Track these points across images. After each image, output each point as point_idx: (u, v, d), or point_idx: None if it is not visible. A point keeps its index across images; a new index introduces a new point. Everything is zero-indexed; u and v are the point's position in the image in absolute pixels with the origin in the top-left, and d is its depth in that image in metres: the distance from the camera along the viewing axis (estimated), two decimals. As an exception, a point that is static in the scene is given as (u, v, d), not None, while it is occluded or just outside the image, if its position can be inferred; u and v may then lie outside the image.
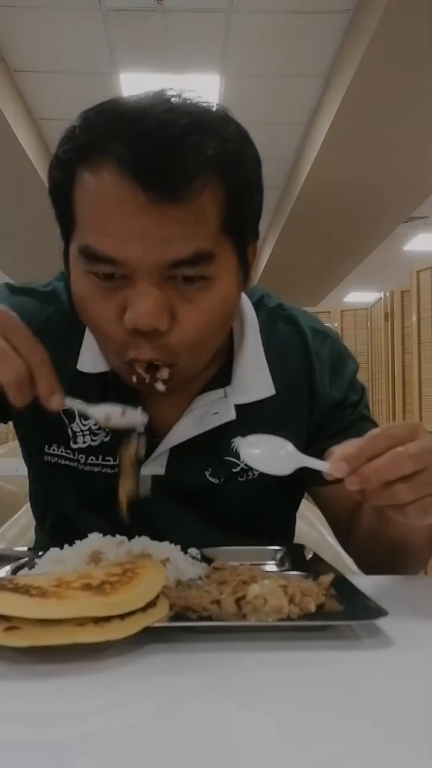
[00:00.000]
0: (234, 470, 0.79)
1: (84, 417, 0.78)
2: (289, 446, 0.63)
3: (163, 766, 0.34)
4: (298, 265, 6.72)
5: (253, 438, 0.64)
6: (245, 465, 0.79)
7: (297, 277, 7.08)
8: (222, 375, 0.79)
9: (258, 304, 0.85)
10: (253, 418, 0.78)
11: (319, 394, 0.82)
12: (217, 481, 0.79)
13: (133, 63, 3.73)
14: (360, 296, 8.44)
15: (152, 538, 0.69)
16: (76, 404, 0.63)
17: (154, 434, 0.78)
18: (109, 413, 0.64)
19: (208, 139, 0.60)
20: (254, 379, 0.79)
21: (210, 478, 0.79)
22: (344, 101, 3.56)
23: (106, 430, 0.78)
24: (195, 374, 0.73)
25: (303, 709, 0.41)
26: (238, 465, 0.79)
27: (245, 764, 0.34)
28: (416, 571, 0.79)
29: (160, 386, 0.68)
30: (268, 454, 0.63)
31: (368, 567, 0.82)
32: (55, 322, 0.80)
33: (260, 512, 0.83)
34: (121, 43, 3.55)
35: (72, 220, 0.65)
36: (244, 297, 0.83)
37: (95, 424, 0.78)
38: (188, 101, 0.62)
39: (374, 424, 0.85)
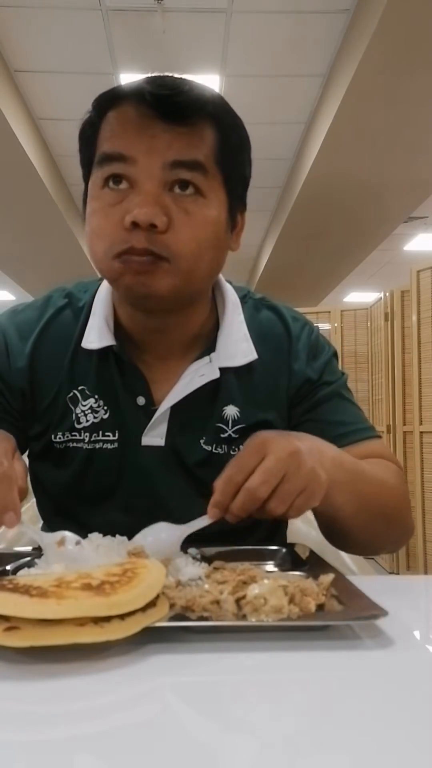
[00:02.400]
0: (222, 436, 0.85)
1: (84, 398, 0.85)
2: (171, 528, 0.69)
3: (163, 766, 0.34)
4: (298, 265, 6.71)
5: (146, 530, 0.70)
6: (233, 433, 0.86)
7: (297, 277, 7.08)
8: (209, 348, 0.87)
9: (244, 297, 0.95)
10: (240, 383, 0.86)
11: (294, 371, 0.89)
12: (210, 448, 0.85)
13: (133, 63, 3.73)
14: (360, 296, 8.44)
15: (154, 513, 0.72)
16: (30, 531, 0.68)
17: (151, 403, 0.84)
18: (64, 537, 0.66)
19: (207, 90, 0.76)
20: (237, 346, 0.88)
21: (204, 446, 0.85)
22: (344, 101, 3.56)
23: (105, 407, 0.85)
24: (184, 295, 0.78)
25: (303, 709, 0.41)
26: (226, 431, 0.86)
27: (245, 764, 0.34)
28: (367, 544, 0.85)
29: (155, 282, 0.73)
30: (155, 540, 0.68)
31: (335, 544, 0.87)
32: (55, 319, 0.89)
33: None
34: (121, 43, 3.55)
35: (94, 152, 0.76)
36: (228, 286, 0.92)
37: (95, 402, 0.85)
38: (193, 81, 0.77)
39: (350, 403, 0.92)
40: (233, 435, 0.85)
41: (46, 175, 4.69)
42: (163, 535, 0.68)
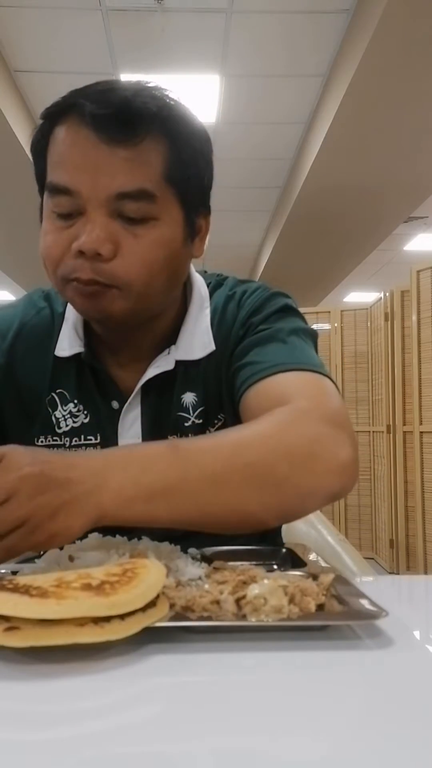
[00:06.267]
0: (186, 425, 0.86)
1: (63, 403, 0.86)
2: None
3: (163, 766, 0.34)
4: (298, 265, 6.72)
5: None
6: (195, 418, 0.85)
7: (297, 277, 7.08)
8: (171, 342, 0.87)
9: (209, 284, 0.92)
10: (198, 371, 0.86)
11: (232, 334, 0.86)
12: (177, 436, 0.85)
13: (133, 63, 3.73)
14: (360, 296, 8.44)
15: None
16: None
17: (123, 403, 0.85)
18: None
19: (154, 101, 0.72)
20: (198, 339, 0.87)
21: (170, 438, 0.85)
22: (344, 101, 3.56)
23: (85, 411, 0.86)
24: (143, 312, 0.78)
25: (303, 709, 0.40)
26: (189, 419, 0.86)
27: (245, 764, 0.34)
28: (249, 514, 0.66)
29: (107, 306, 0.74)
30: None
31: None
32: (32, 319, 0.91)
33: None
34: (121, 43, 3.55)
35: (45, 170, 0.75)
36: (198, 278, 0.91)
37: (75, 407, 0.86)
38: (150, 84, 0.75)
39: (283, 343, 0.79)
40: (196, 420, 0.85)
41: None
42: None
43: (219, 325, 0.87)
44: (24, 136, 4.14)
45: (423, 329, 3.54)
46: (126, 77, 3.89)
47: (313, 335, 0.85)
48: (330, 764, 0.34)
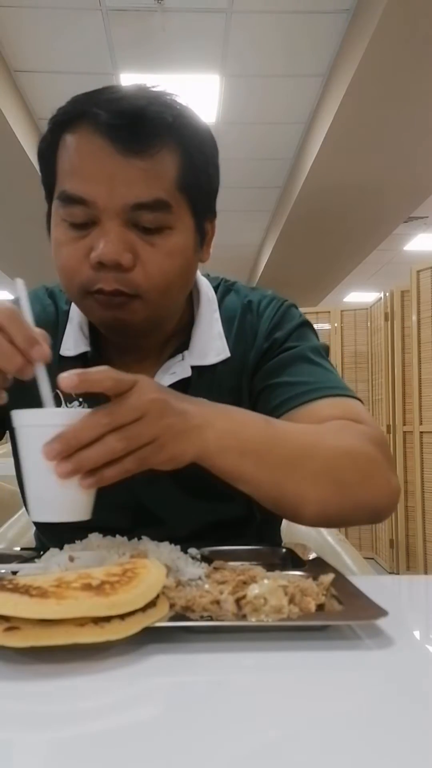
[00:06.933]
0: None
1: (68, 400, 0.85)
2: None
3: (163, 766, 0.34)
4: (298, 265, 6.72)
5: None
6: None
7: (297, 277, 7.08)
8: (183, 346, 0.87)
9: (217, 287, 0.92)
10: (212, 377, 0.85)
11: (256, 346, 0.86)
12: None
13: (133, 63, 3.73)
14: (360, 296, 8.45)
15: (141, 513, 0.72)
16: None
17: None
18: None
19: (168, 110, 0.72)
20: (210, 344, 0.87)
21: None
22: (344, 101, 3.56)
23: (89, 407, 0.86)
24: (159, 321, 0.79)
25: (303, 709, 0.41)
26: None
27: (245, 764, 0.34)
28: (317, 511, 0.71)
29: (128, 316, 0.74)
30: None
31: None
32: (36, 316, 0.89)
33: None
34: (121, 43, 3.55)
35: (54, 178, 0.75)
36: (203, 281, 0.91)
37: (79, 404, 0.85)
38: (157, 88, 0.75)
39: (317, 365, 0.84)
40: None
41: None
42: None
43: (237, 334, 0.87)
44: (24, 136, 4.14)
45: (423, 329, 3.54)
46: (126, 77, 3.90)
47: (327, 352, 0.90)
48: (330, 764, 0.34)
